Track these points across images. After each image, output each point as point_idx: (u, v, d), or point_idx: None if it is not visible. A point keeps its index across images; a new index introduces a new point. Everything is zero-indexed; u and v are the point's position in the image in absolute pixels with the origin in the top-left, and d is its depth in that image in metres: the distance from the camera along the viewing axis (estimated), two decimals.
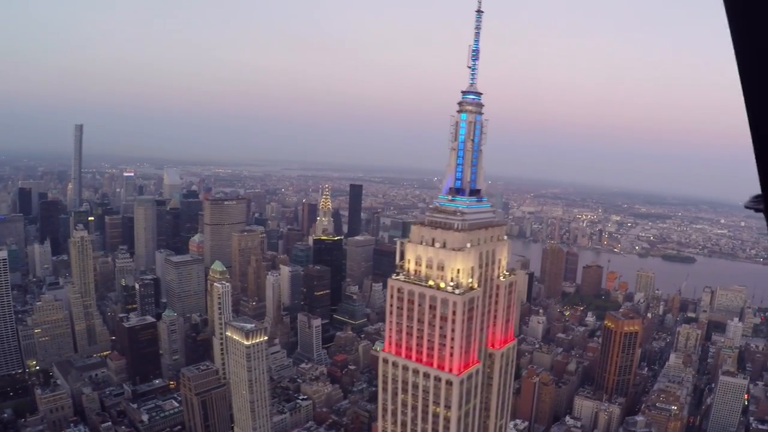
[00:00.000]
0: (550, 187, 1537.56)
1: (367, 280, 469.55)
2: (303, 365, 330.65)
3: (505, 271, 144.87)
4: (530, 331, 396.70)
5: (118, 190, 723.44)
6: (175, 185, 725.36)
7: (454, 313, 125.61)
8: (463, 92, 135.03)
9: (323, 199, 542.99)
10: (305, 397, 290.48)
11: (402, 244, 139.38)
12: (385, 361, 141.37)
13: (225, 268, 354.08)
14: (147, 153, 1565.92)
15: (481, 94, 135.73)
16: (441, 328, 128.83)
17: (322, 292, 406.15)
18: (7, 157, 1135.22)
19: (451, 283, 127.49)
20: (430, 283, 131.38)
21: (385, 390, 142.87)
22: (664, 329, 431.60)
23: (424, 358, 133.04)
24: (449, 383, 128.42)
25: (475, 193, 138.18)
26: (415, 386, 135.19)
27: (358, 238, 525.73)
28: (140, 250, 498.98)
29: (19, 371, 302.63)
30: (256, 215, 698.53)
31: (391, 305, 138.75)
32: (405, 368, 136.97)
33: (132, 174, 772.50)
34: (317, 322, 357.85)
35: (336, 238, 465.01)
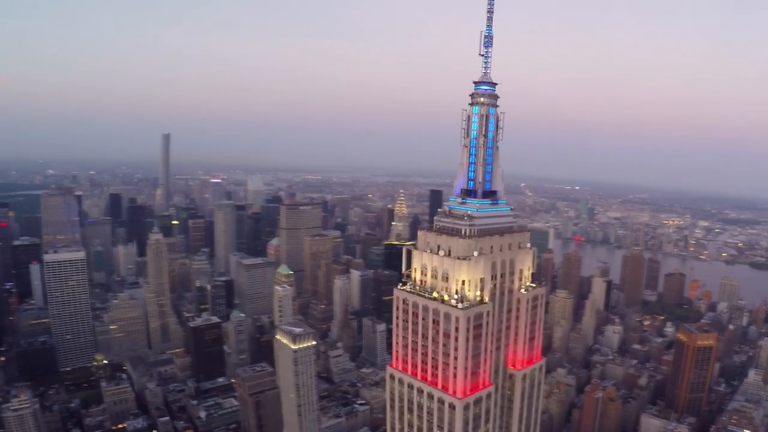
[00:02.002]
0: (638, 192, 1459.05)
1: None
2: (364, 369, 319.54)
3: (528, 283, 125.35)
4: (605, 341, 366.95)
5: (206, 195, 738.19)
6: (259, 191, 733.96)
7: (456, 329, 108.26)
8: (476, 83, 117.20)
9: (398, 205, 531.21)
10: (363, 401, 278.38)
11: (408, 251, 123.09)
12: (392, 377, 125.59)
13: (291, 272, 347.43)
14: (241, 160, 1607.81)
15: (496, 84, 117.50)
16: (444, 345, 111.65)
17: (390, 297, 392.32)
18: (105, 165, 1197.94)
19: (456, 296, 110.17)
20: (434, 294, 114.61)
21: (392, 408, 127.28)
22: (747, 342, 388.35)
23: (429, 377, 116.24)
24: (452, 407, 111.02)
25: (489, 194, 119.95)
26: (420, 407, 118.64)
27: None
28: (220, 252, 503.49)
29: (92, 364, 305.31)
30: (339, 220, 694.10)
31: (397, 317, 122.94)
32: (410, 386, 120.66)
33: (219, 180, 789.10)
34: (381, 327, 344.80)
35: (408, 243, 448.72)
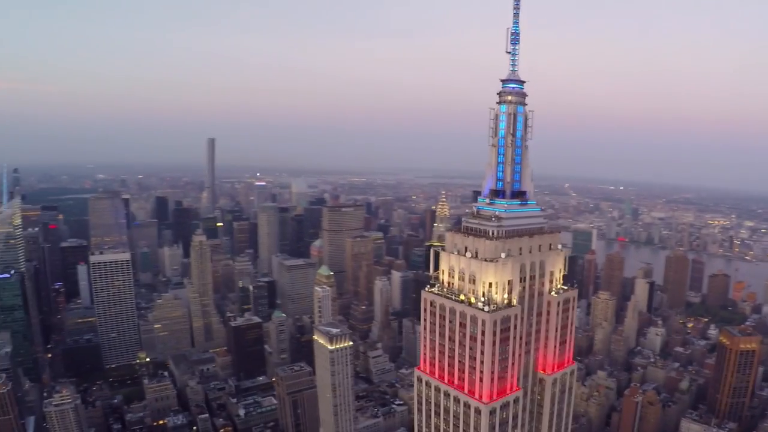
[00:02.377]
0: (683, 191, 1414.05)
1: None
2: (403, 370, 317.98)
3: (560, 286, 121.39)
4: (647, 344, 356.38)
5: (251, 198, 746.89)
6: (303, 193, 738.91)
7: (483, 333, 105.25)
8: (503, 81, 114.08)
9: (440, 206, 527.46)
10: (401, 402, 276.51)
11: (436, 252, 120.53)
12: (419, 380, 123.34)
13: (331, 273, 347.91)
14: (287, 163, 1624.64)
15: (524, 82, 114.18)
16: (471, 348, 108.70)
17: None
18: (154, 169, 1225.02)
19: (482, 299, 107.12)
20: (461, 297, 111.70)
21: (419, 411, 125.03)
22: None
23: (456, 381, 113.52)
24: (478, 412, 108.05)
25: (518, 195, 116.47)
26: (447, 411, 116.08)
27: None
28: (263, 253, 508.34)
29: (135, 362, 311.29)
30: (382, 221, 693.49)
31: (425, 320, 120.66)
32: (437, 390, 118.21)
33: (264, 183, 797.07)
34: (421, 328, 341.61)
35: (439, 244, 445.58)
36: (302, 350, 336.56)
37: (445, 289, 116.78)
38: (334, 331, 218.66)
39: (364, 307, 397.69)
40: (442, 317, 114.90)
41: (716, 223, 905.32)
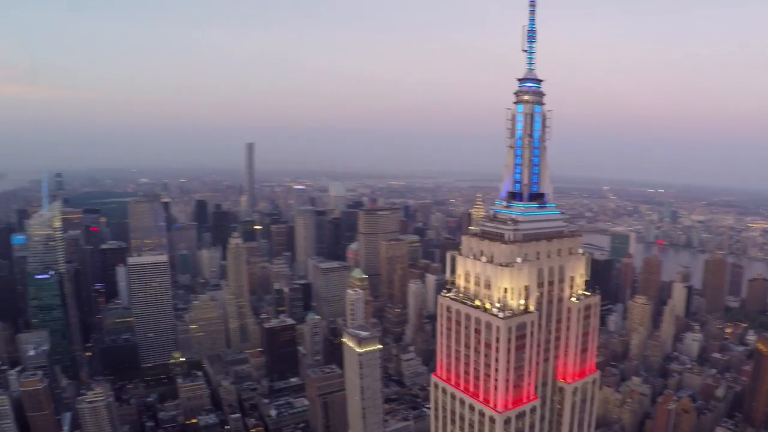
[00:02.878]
0: (723, 194, 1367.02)
1: None
2: None
3: (581, 292, 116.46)
4: (684, 349, 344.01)
5: (290, 201, 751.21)
6: (340, 196, 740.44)
7: (497, 339, 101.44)
8: (520, 80, 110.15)
9: (476, 209, 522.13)
10: None
11: (453, 257, 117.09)
12: (436, 386, 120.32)
13: (364, 276, 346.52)
14: (327, 167, 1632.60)
15: (542, 81, 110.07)
16: (485, 356, 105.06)
17: None
18: (195, 173, 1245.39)
19: (498, 304, 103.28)
20: (477, 302, 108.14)
21: (436, 418, 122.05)
22: None
23: (471, 388, 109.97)
24: (492, 420, 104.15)
25: (536, 197, 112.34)
26: (462, 418, 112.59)
27: None
28: (300, 256, 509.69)
29: (171, 361, 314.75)
30: (419, 225, 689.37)
31: (441, 325, 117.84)
32: (453, 397, 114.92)
33: (303, 187, 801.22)
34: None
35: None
36: (335, 352, 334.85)
37: (461, 294, 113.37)
38: (363, 334, 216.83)
39: (398, 310, 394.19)
40: (458, 323, 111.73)
41: (757, 225, 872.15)
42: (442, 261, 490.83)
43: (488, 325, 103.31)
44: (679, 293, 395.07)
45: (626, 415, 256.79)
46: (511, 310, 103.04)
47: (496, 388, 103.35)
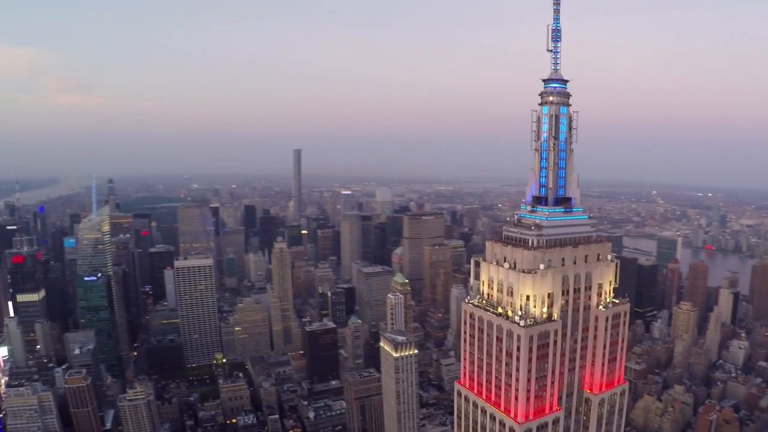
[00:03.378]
0: None
1: None
2: None
3: (609, 299, 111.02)
4: (730, 357, 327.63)
5: (338, 206, 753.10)
6: (386, 201, 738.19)
7: (518, 348, 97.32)
8: (545, 80, 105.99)
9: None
10: None
11: (477, 262, 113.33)
12: (459, 394, 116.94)
13: (406, 280, 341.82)
14: (376, 173, 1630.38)
15: (567, 81, 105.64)
16: (507, 364, 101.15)
17: None
18: (246, 179, 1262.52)
19: (519, 312, 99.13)
20: (499, 310, 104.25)
21: (459, 426, 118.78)
22: None
23: (493, 397, 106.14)
24: (512, 431, 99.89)
25: (562, 201, 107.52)
26: (484, 428, 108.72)
27: None
28: (345, 260, 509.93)
29: (213, 362, 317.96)
30: (465, 230, 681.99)
31: (464, 332, 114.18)
32: (475, 405, 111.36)
33: (350, 192, 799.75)
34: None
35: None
36: (376, 356, 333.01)
37: (484, 301, 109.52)
38: (400, 338, 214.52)
39: (440, 315, 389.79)
40: (481, 330, 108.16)
41: None
42: None
43: (510, 334, 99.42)
44: (725, 299, 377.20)
45: (667, 424, 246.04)
46: (533, 318, 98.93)
47: (516, 398, 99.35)
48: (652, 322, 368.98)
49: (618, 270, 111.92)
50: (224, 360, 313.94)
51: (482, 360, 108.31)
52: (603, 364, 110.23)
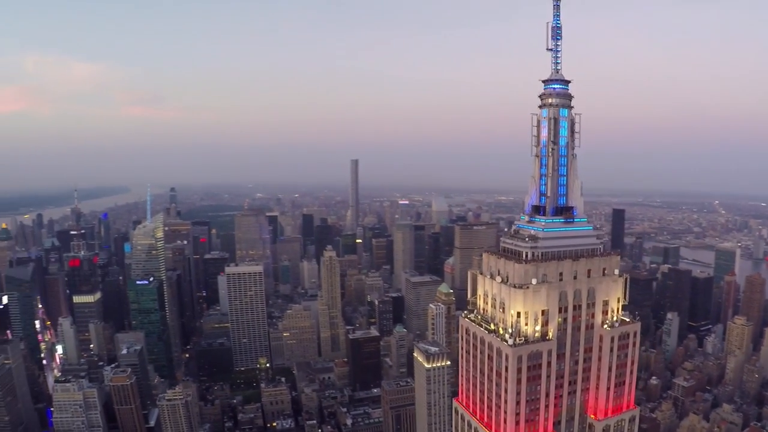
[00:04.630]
0: None
1: None
2: None
3: (616, 318, 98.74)
4: None
5: (396, 216, 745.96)
6: (442, 211, 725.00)
7: (506, 368, 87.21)
8: (545, 81, 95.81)
9: None
10: None
11: (473, 275, 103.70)
12: (456, 411, 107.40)
13: (450, 290, 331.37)
14: (436, 183, 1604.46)
15: (569, 81, 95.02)
16: (497, 384, 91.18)
17: None
18: (309, 188, 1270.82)
19: (510, 330, 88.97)
20: (492, 326, 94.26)
21: None
22: None
23: (485, 418, 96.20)
24: None
25: (563, 211, 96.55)
26: None
27: None
28: (398, 270, 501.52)
29: (258, 366, 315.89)
30: None
31: (461, 347, 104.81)
32: (469, 425, 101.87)
33: (407, 202, 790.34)
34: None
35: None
36: None
37: (479, 316, 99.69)
38: (433, 349, 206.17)
39: None
40: (475, 346, 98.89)
41: None
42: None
43: (499, 352, 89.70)
44: None
45: None
46: (524, 336, 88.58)
47: (505, 420, 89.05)
48: (706, 337, 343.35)
49: (627, 286, 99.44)
50: (268, 364, 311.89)
51: (476, 378, 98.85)
52: (608, 388, 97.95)
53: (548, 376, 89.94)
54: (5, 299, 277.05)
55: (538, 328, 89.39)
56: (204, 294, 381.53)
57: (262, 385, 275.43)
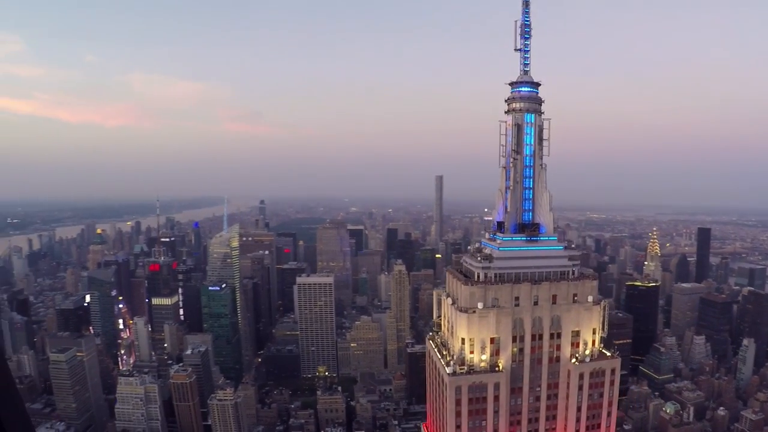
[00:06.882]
0: None
1: (689, 331, 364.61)
2: None
3: (590, 351, 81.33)
4: None
5: (483, 231, 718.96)
6: None
7: (445, 399, 73.34)
8: (512, 84, 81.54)
9: (651, 244, 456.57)
10: None
11: (438, 296, 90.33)
12: None
13: None
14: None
15: (539, 84, 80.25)
16: (442, 415, 77.06)
17: (621, 341, 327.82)
18: (402, 203, 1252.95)
19: (453, 357, 75.00)
20: (443, 352, 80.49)
21: None
22: None
23: None
24: None
25: (528, 228, 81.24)
26: None
27: (684, 285, 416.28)
28: None
29: (326, 374, 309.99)
30: (605, 259, 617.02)
31: (428, 371, 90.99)
32: None
33: (491, 218, 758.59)
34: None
35: (651, 285, 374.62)
36: None
37: (440, 340, 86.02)
38: None
39: None
40: (431, 372, 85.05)
41: None
42: (617, 297, 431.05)
43: (442, 381, 75.63)
44: None
45: None
46: (469, 365, 74.13)
47: None
48: None
49: (605, 315, 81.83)
50: (327, 373, 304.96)
51: (433, 405, 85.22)
52: (578, 430, 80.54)
53: (496, 411, 74.86)
54: (88, 298, 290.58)
55: (485, 357, 75.03)
56: (281, 302, 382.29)
57: (318, 393, 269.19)
